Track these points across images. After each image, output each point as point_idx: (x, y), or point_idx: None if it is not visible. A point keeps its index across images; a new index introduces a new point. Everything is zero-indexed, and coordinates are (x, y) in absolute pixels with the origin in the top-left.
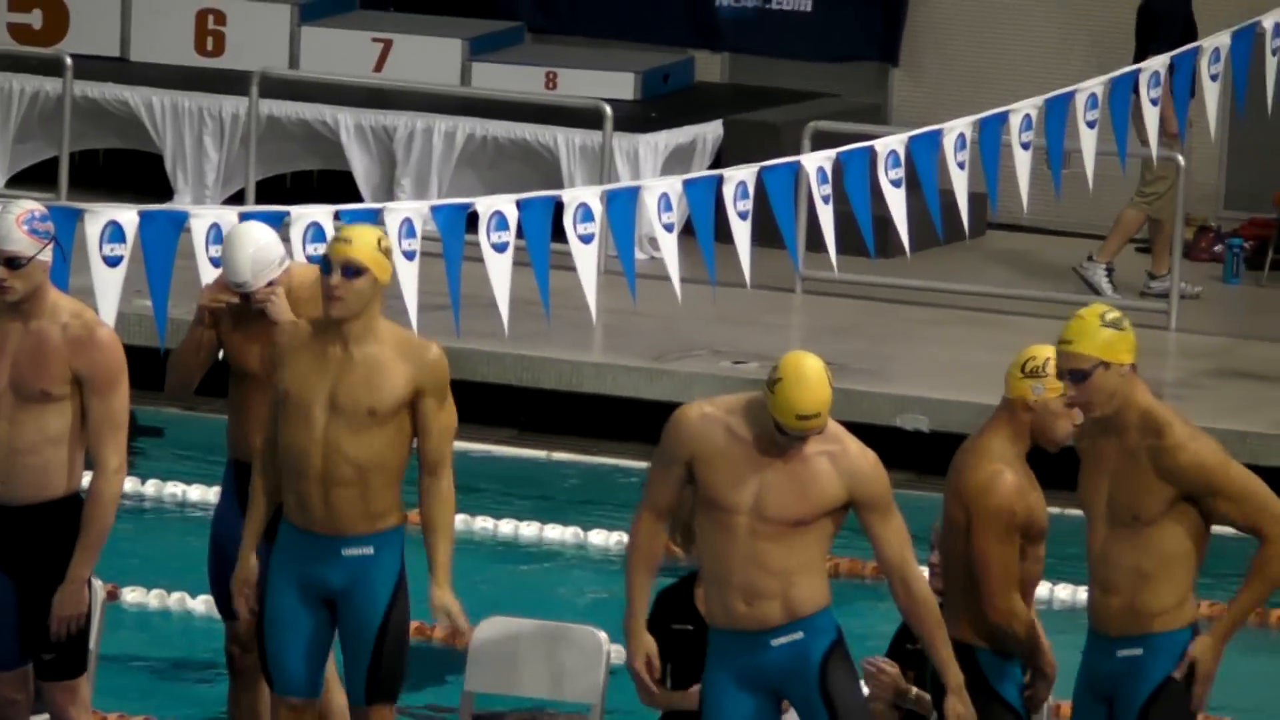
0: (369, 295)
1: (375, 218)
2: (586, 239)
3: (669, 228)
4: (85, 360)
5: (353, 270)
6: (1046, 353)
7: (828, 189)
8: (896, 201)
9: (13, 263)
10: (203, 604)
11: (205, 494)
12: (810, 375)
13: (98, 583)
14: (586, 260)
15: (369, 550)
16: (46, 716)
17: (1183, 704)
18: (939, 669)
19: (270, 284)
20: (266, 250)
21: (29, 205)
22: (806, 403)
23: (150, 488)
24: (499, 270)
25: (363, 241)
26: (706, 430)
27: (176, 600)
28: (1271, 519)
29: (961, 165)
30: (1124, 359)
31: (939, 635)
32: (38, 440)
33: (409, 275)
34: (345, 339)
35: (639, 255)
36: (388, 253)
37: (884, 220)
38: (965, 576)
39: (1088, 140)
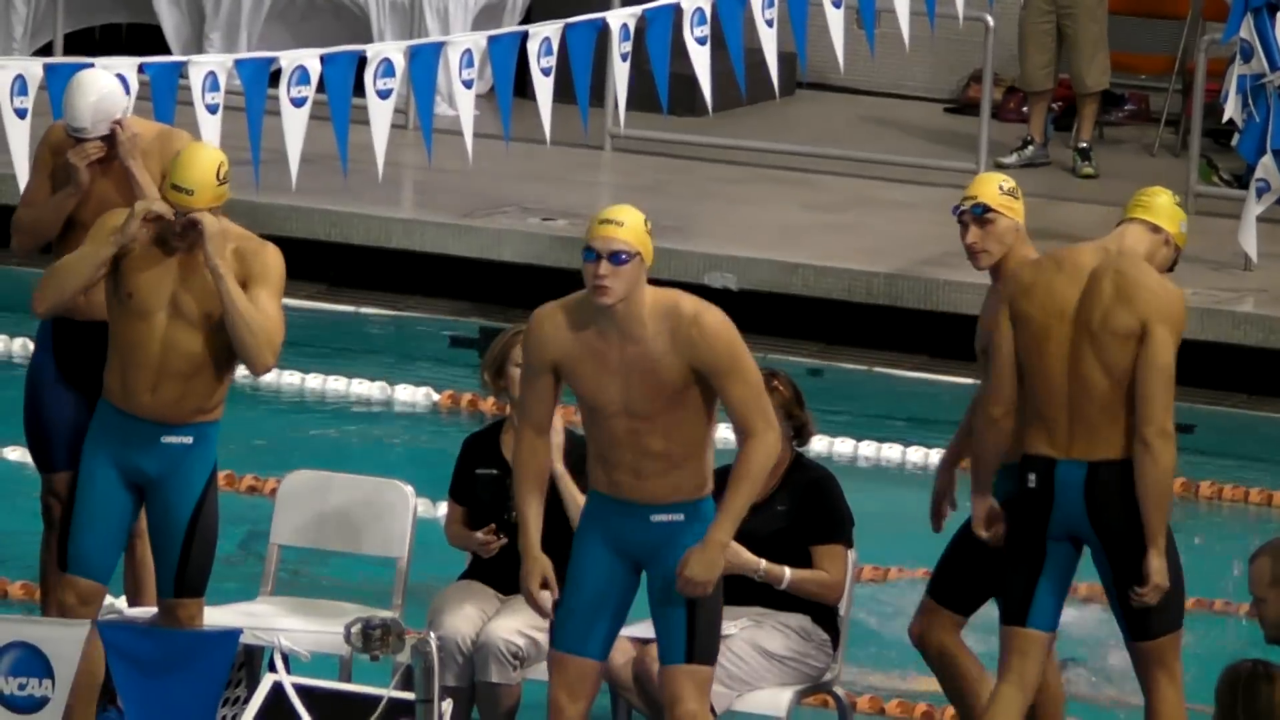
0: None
1: (179, 71)
2: (385, 94)
3: (468, 84)
4: None
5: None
6: None
7: (628, 46)
8: (701, 59)
9: None
10: (16, 454)
11: (9, 345)
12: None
13: None
14: (381, 115)
15: (188, 440)
16: None
17: None
18: (724, 523)
19: (110, 135)
20: (109, 99)
21: None
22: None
23: None
24: (294, 124)
25: (202, 186)
26: (558, 336)
27: None
28: None
29: (770, 23)
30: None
31: (745, 495)
32: None
33: (211, 129)
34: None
35: (445, 111)
36: (227, 179)
37: (689, 78)
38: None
39: (900, 1)
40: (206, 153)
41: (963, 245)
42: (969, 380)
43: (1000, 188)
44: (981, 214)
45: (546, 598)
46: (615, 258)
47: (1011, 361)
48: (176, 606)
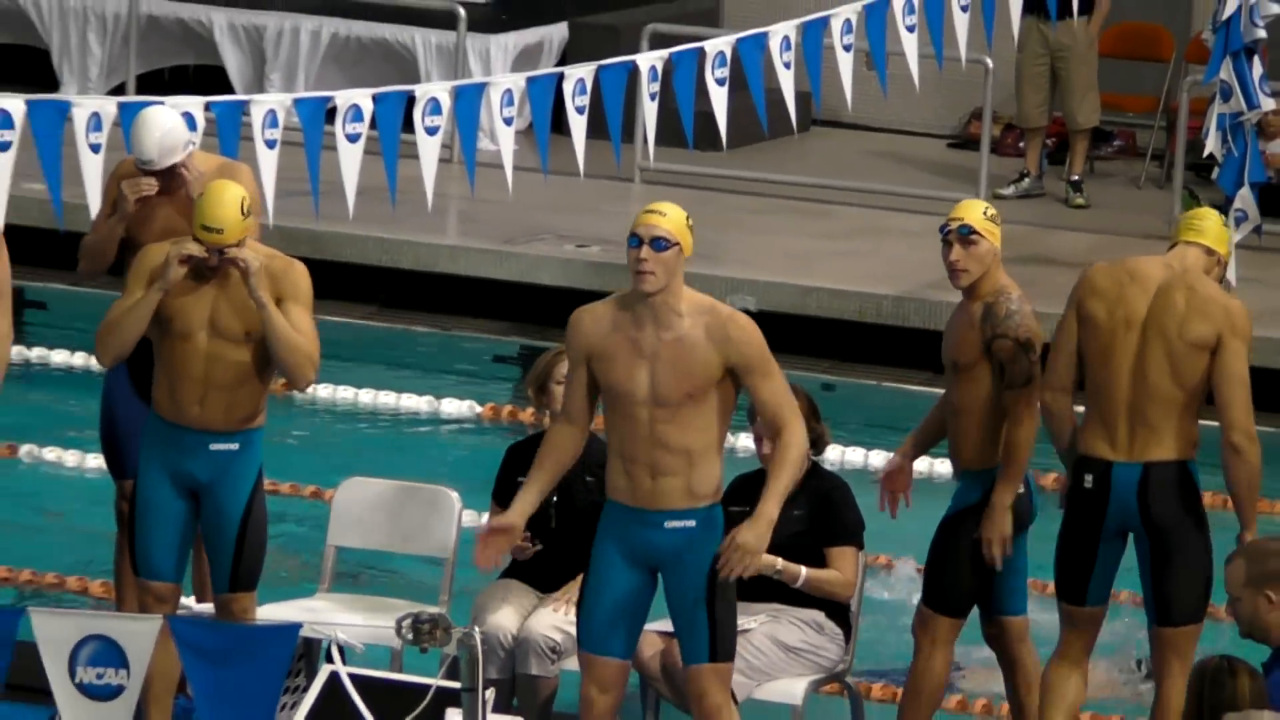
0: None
1: (242, 109)
2: (432, 131)
3: (508, 121)
4: None
5: (230, 246)
6: None
7: (656, 87)
8: (719, 99)
9: None
10: (93, 464)
11: (88, 361)
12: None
13: None
14: (429, 150)
15: (234, 446)
16: None
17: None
18: (765, 506)
19: (173, 168)
20: (173, 134)
21: None
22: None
23: (36, 354)
24: (350, 158)
25: (230, 224)
26: (596, 329)
27: (74, 460)
28: None
29: (787, 65)
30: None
31: (786, 480)
32: None
33: (269, 163)
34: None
35: (488, 146)
36: (250, 211)
37: (713, 116)
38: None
39: (909, 44)
40: (229, 192)
41: (944, 263)
42: None
43: (984, 213)
44: (967, 235)
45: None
46: (656, 243)
47: (1070, 350)
48: (231, 601)
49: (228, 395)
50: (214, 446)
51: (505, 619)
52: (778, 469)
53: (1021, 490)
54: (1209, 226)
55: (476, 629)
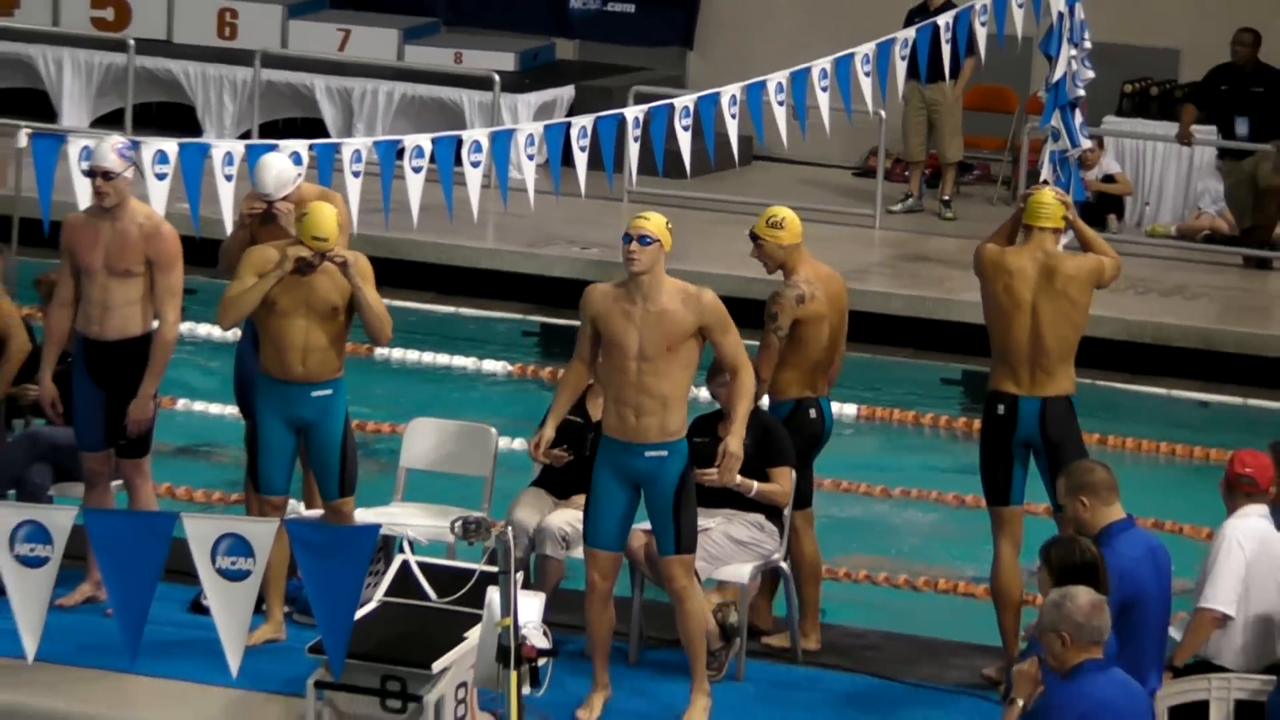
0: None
1: (335, 149)
2: (475, 164)
3: (530, 157)
4: (154, 248)
5: (328, 257)
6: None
7: (638, 132)
8: (685, 141)
9: (108, 176)
10: (229, 411)
11: (223, 334)
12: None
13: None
14: (473, 179)
15: (330, 392)
16: (121, 482)
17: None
18: (734, 428)
19: (286, 197)
20: (285, 173)
21: (118, 137)
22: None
23: (186, 329)
24: (415, 185)
25: (332, 234)
26: (601, 300)
27: (216, 409)
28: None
29: (734, 116)
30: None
31: (745, 407)
32: (122, 301)
33: (355, 189)
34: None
35: (515, 175)
36: (344, 225)
37: (679, 153)
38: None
39: (823, 100)
40: (328, 210)
41: None
42: (867, 355)
43: (767, 221)
44: (754, 240)
45: (537, 449)
46: (642, 239)
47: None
48: (341, 505)
49: (321, 355)
50: (315, 394)
51: (527, 517)
52: (737, 399)
53: (815, 416)
54: (1051, 211)
55: (510, 529)
